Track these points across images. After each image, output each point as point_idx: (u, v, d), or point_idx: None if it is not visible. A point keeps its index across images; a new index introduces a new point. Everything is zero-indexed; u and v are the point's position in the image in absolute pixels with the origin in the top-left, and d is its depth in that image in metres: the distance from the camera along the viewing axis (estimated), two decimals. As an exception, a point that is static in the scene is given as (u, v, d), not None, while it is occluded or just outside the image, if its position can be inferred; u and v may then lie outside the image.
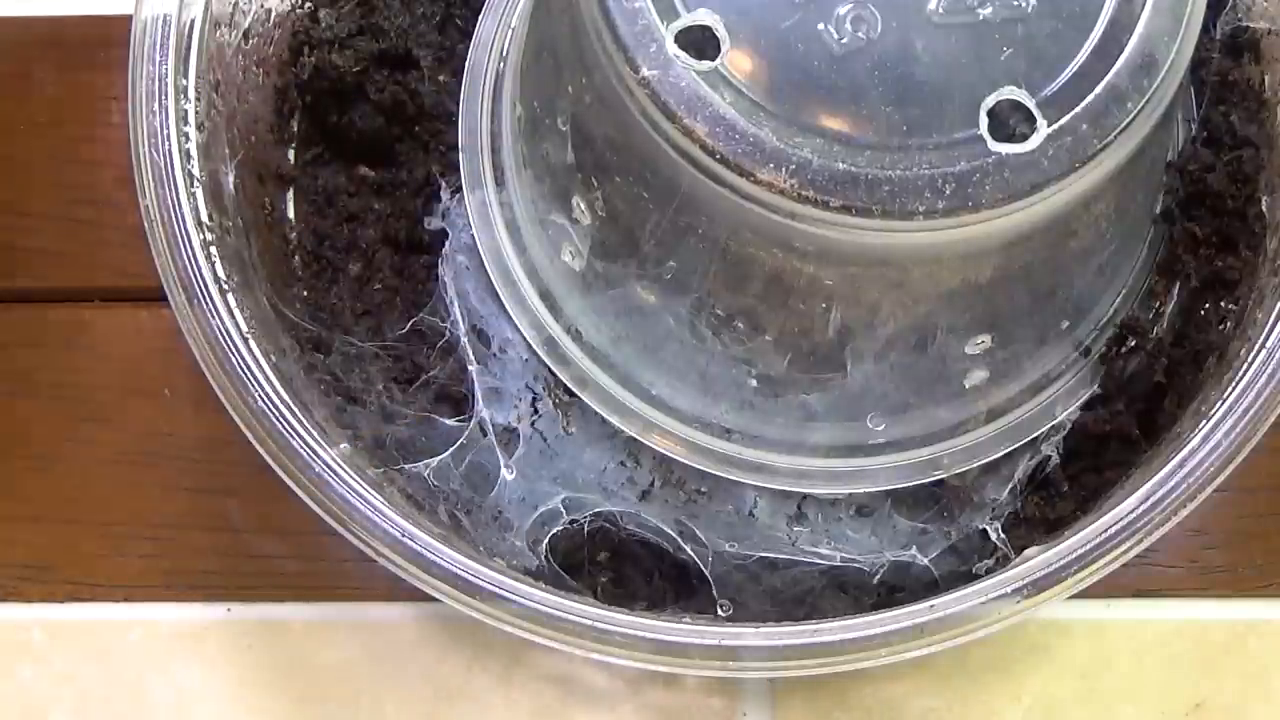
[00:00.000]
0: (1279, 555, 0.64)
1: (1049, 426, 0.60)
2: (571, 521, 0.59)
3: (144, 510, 0.65)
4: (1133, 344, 0.59)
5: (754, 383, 0.57)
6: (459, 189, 0.61)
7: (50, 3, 0.70)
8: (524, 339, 0.60)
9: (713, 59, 0.49)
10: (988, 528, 0.58)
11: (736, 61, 0.49)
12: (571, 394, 0.60)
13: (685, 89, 0.49)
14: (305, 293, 0.61)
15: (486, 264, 0.60)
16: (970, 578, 0.57)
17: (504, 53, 0.61)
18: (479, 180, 0.60)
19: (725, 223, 0.50)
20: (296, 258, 0.62)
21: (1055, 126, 0.49)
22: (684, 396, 0.58)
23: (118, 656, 0.64)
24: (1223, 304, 0.59)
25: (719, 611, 0.57)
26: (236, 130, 0.59)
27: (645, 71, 0.49)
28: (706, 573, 0.58)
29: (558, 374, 0.59)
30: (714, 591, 0.58)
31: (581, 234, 0.56)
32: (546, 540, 0.58)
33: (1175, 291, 0.60)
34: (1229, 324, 0.58)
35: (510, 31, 0.61)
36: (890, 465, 0.59)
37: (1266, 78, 0.59)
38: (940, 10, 0.49)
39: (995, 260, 0.52)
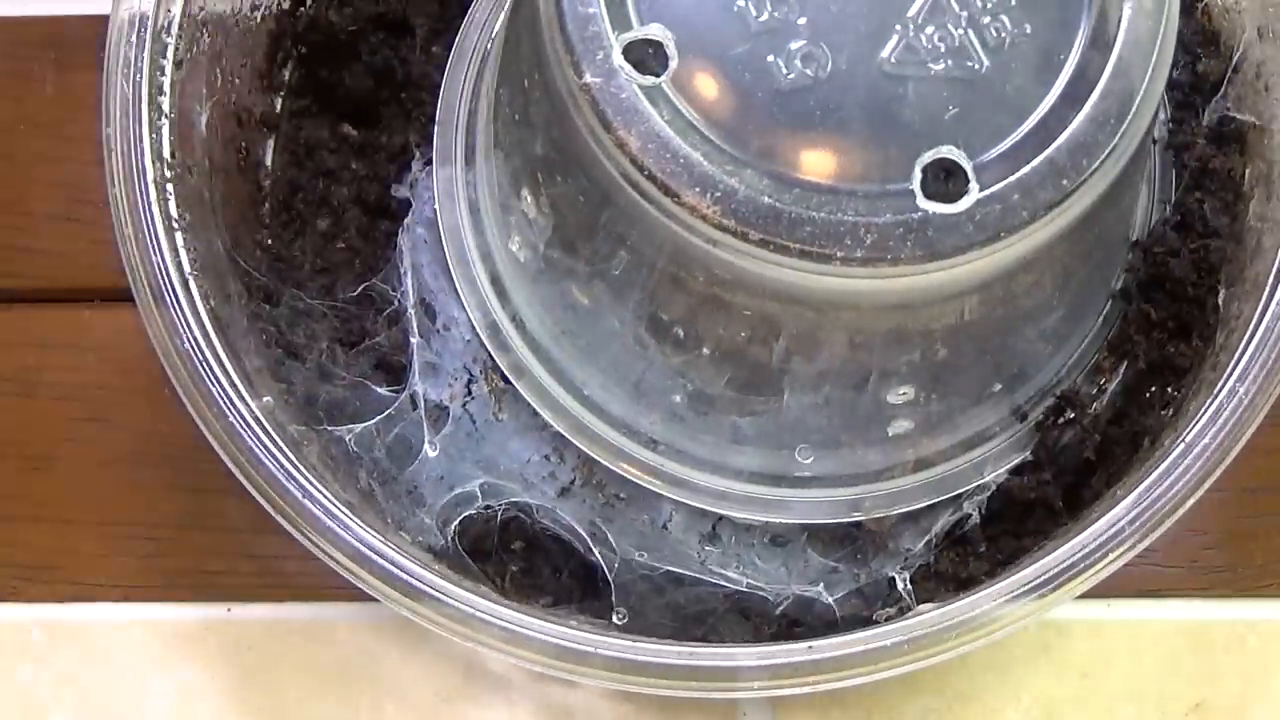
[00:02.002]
0: (1279, 555, 0.64)
1: (975, 485, 0.59)
2: (486, 507, 0.59)
3: (144, 510, 0.66)
4: (1070, 416, 0.58)
5: (687, 397, 0.57)
6: (430, 161, 0.61)
7: (50, 3, 0.70)
8: (469, 320, 0.60)
9: (658, 75, 0.49)
10: (897, 576, 0.58)
11: (682, 81, 0.49)
12: (507, 381, 0.60)
13: (625, 100, 0.49)
14: (270, 241, 0.62)
15: (444, 240, 0.60)
16: (868, 623, 0.56)
17: (494, 32, 0.61)
18: (449, 156, 0.61)
19: (652, 239, 0.50)
20: (266, 205, 0.62)
21: (986, 193, 0.48)
22: (617, 401, 0.58)
23: (118, 656, 0.64)
24: (1169, 389, 0.58)
25: (615, 619, 0.57)
26: (220, 71, 0.59)
27: (588, 78, 0.49)
28: (610, 578, 0.58)
29: (496, 360, 0.60)
30: (614, 598, 0.57)
31: (529, 226, 0.56)
32: (457, 521, 0.58)
33: (1122, 370, 0.59)
34: (1170, 411, 0.57)
35: (504, 12, 0.61)
36: (812, 500, 0.59)
37: (1247, 171, 0.58)
38: (893, 60, 0.49)
39: (920, 315, 0.52)
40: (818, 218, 0.48)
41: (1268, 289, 0.55)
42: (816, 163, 0.49)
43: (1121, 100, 0.49)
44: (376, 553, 0.52)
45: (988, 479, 0.59)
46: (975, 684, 0.61)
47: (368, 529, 0.52)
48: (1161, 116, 0.62)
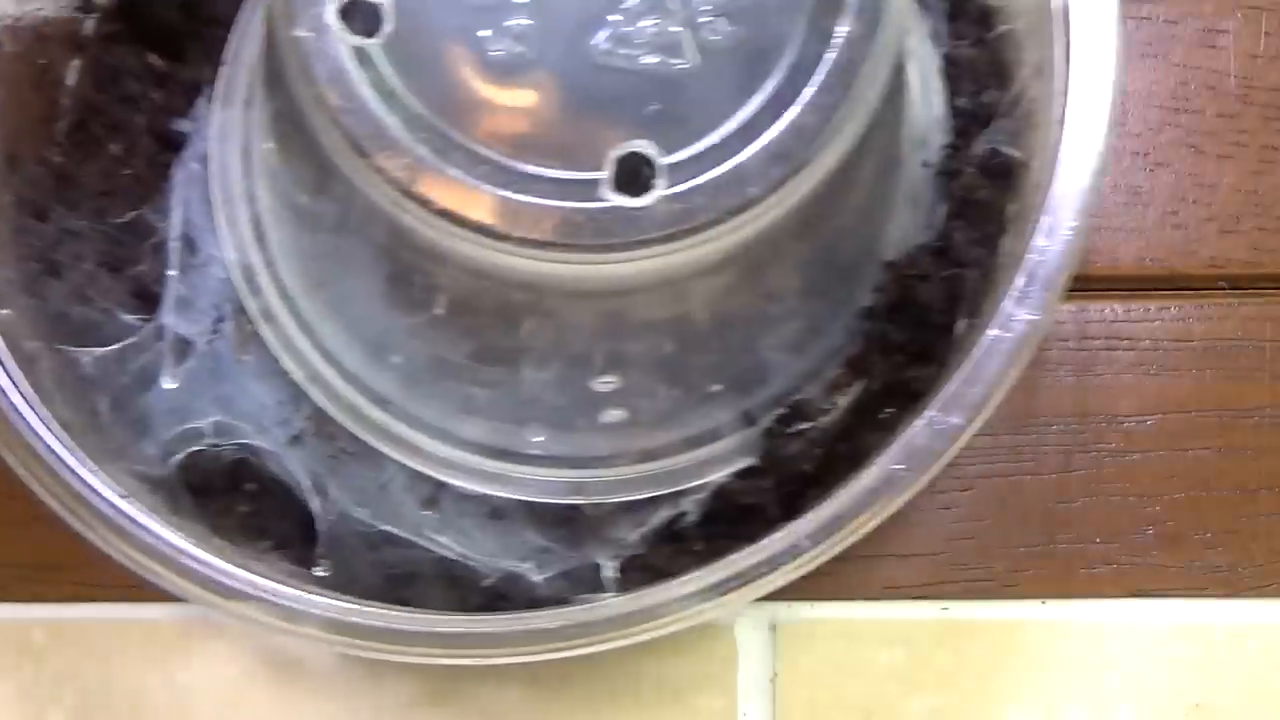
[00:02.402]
0: (1279, 555, 0.64)
1: (697, 483, 0.59)
2: (214, 445, 0.59)
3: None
4: (799, 427, 0.58)
5: (420, 361, 0.57)
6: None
7: None
8: (226, 259, 0.60)
9: (370, 36, 0.49)
10: (605, 564, 0.58)
11: (394, 45, 0.50)
12: (255, 324, 0.60)
13: (331, 58, 0.49)
14: (59, 159, 0.62)
15: (212, 179, 0.61)
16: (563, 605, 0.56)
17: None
18: (232, 97, 0.61)
19: (361, 196, 0.51)
20: (61, 123, 0.63)
21: (671, 191, 0.48)
22: (354, 356, 0.59)
23: (118, 656, 0.64)
24: (902, 412, 0.58)
25: (316, 570, 0.58)
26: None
27: (299, 31, 0.49)
28: (321, 530, 0.58)
29: (246, 302, 0.60)
30: (319, 549, 0.58)
31: (273, 170, 0.56)
32: (183, 455, 0.59)
33: (858, 388, 0.59)
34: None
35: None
36: (536, 478, 0.60)
37: (1009, 207, 0.58)
38: (603, 48, 0.49)
39: (621, 306, 0.52)
40: (501, 195, 0.49)
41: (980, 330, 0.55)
42: (509, 141, 0.49)
43: (823, 116, 0.49)
44: (75, 475, 0.52)
45: (711, 479, 0.59)
46: (976, 684, 0.62)
47: (76, 453, 0.52)
48: (940, 141, 0.62)
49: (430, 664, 0.53)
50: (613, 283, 0.51)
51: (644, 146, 0.49)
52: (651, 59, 0.50)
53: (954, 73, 0.62)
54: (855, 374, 0.60)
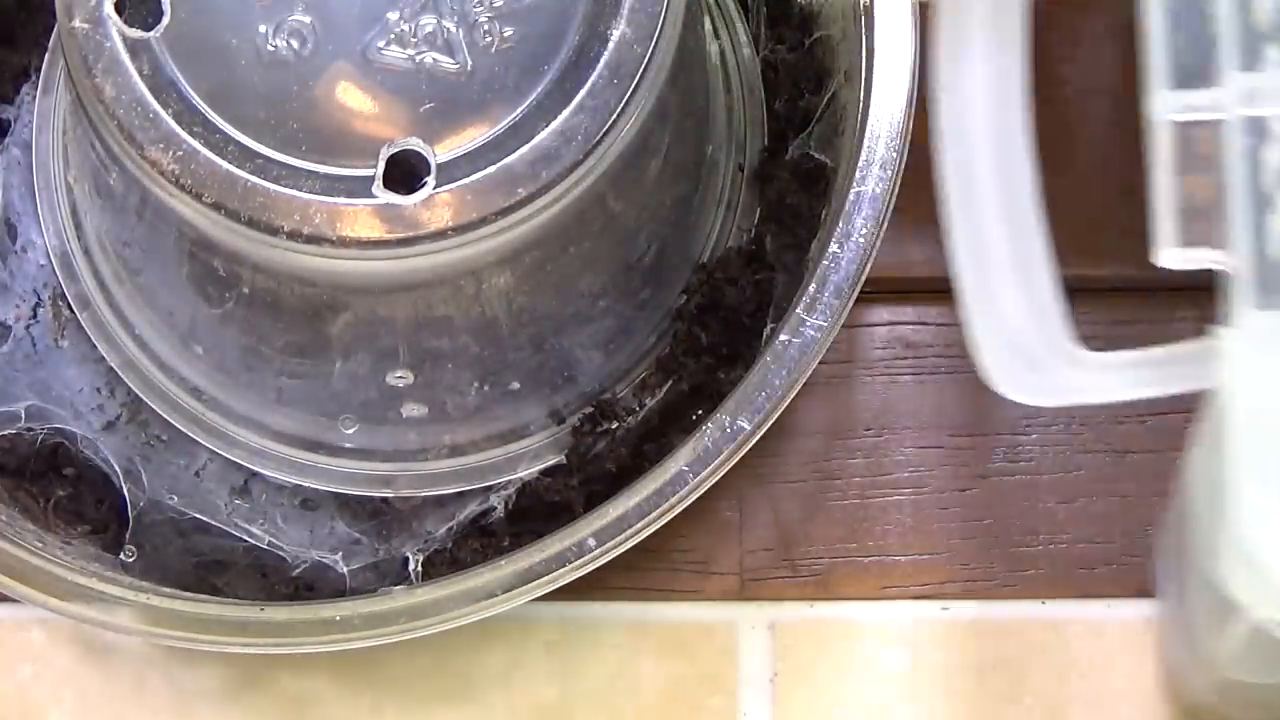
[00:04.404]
0: None
1: (505, 479, 0.60)
2: (28, 429, 0.60)
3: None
4: (607, 426, 0.59)
5: (230, 351, 0.57)
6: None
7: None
8: (45, 245, 0.61)
9: (148, 29, 0.50)
10: (411, 556, 0.59)
11: (170, 38, 0.50)
12: (73, 310, 0.60)
13: (108, 49, 0.50)
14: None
15: (34, 165, 0.61)
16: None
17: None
18: (51, 84, 0.61)
19: (138, 188, 0.51)
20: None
21: (440, 190, 0.49)
22: (167, 345, 0.59)
23: (118, 656, 0.64)
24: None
25: (123, 555, 0.58)
26: None
27: (76, 22, 0.50)
28: (131, 516, 0.59)
29: (64, 287, 0.60)
30: (128, 536, 0.58)
31: (80, 158, 0.57)
32: (-7, 437, 0.59)
33: (666, 389, 0.59)
34: (705, 435, 0.58)
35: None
36: (347, 471, 0.60)
37: (820, 212, 0.58)
38: (379, 46, 0.50)
39: (403, 301, 0.52)
40: (271, 190, 0.49)
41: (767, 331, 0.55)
42: (282, 137, 0.50)
43: (594, 118, 0.49)
44: None
45: (520, 475, 0.60)
46: (976, 684, 0.62)
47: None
48: (759, 145, 0.62)
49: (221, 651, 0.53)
50: (390, 279, 0.51)
51: (417, 145, 0.49)
52: (428, 58, 0.50)
53: (772, 77, 0.62)
54: (665, 375, 0.60)
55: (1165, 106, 0.44)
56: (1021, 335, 0.45)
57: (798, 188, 0.60)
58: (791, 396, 0.54)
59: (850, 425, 0.65)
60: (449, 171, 0.49)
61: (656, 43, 0.51)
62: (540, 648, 0.62)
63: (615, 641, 0.63)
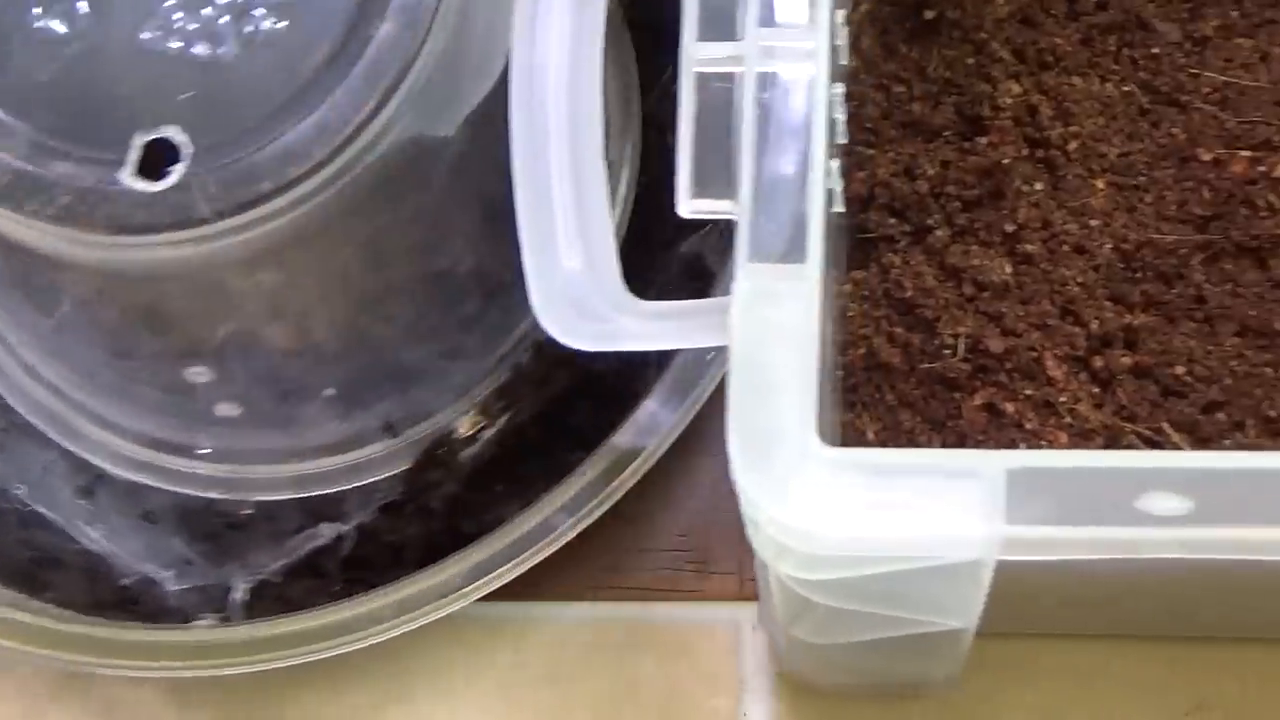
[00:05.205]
0: None
1: (348, 488, 0.60)
2: None
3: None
4: (444, 450, 0.59)
5: (91, 352, 0.58)
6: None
7: None
8: None
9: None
10: (238, 586, 0.59)
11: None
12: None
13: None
14: None
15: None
16: (186, 620, 0.59)
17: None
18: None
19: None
20: None
21: (187, 179, 0.48)
22: (28, 347, 0.60)
23: None
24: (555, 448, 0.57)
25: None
26: None
27: None
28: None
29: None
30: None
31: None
32: None
33: (505, 419, 0.58)
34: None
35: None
36: (184, 472, 0.61)
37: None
38: (148, 33, 0.49)
39: (174, 291, 0.53)
40: (20, 168, 0.49)
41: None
42: (41, 117, 0.49)
43: (346, 118, 0.49)
44: None
45: (365, 482, 0.61)
46: (976, 684, 0.60)
47: None
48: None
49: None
50: (156, 268, 0.51)
51: (173, 133, 0.49)
52: (194, 48, 0.50)
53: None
54: (506, 404, 0.59)
55: (691, 58, 0.44)
56: (576, 283, 0.45)
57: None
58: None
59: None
60: (201, 162, 0.49)
61: (423, 44, 0.49)
62: (540, 648, 0.61)
63: (615, 641, 0.61)
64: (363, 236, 0.52)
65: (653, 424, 0.55)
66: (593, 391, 0.58)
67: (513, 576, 0.55)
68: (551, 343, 0.54)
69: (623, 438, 0.55)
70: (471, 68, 0.52)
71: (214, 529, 0.60)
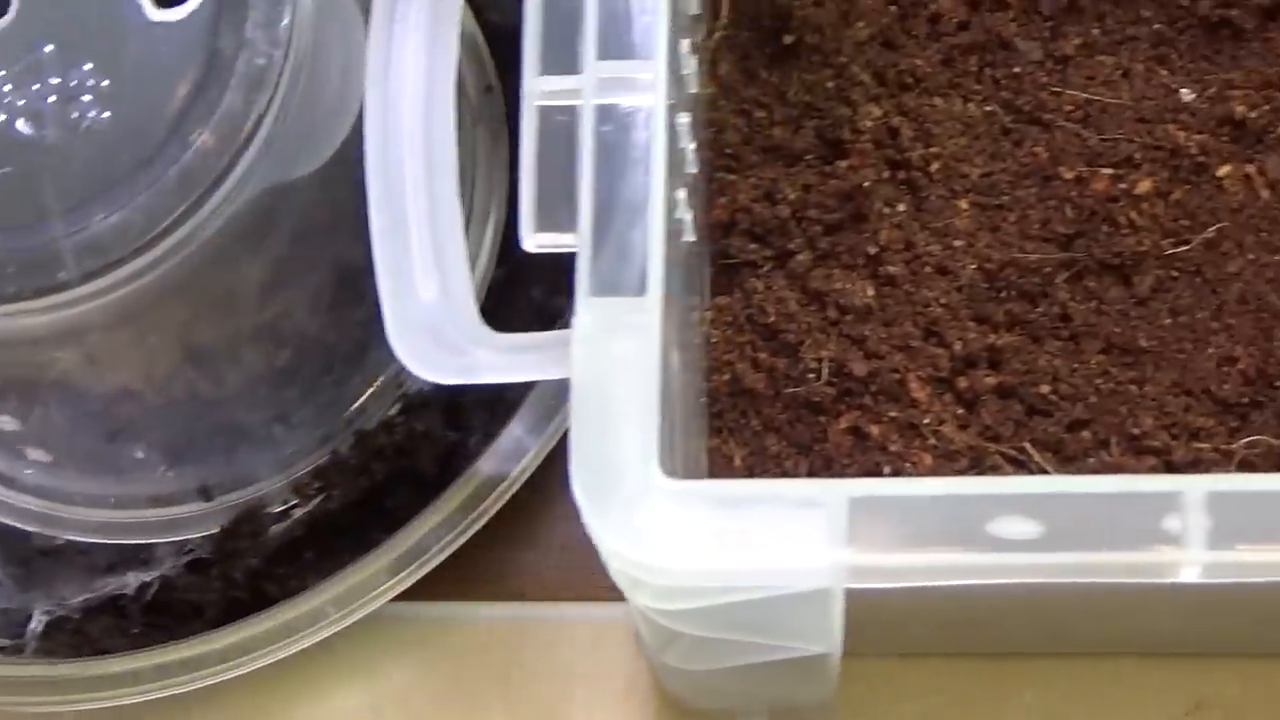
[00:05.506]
0: None
1: (159, 541, 0.59)
2: None
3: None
4: (253, 519, 0.59)
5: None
6: None
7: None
8: None
9: None
10: (37, 615, 0.58)
11: None
12: None
13: None
14: None
15: None
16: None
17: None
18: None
19: None
20: None
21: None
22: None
23: None
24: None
25: None
26: None
27: None
28: None
29: None
30: None
31: None
32: None
33: (318, 499, 0.59)
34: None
35: None
36: (14, 504, 0.60)
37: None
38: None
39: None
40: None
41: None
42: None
43: (149, 221, 0.49)
44: None
45: (174, 539, 0.59)
46: (976, 684, 0.59)
47: None
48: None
49: None
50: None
51: (-10, 209, 0.48)
52: (20, 125, 0.49)
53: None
54: (323, 484, 0.59)
55: (533, 91, 0.44)
56: (432, 313, 0.44)
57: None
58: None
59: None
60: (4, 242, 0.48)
61: (234, 160, 0.49)
62: (540, 648, 0.60)
63: (615, 640, 0.61)
64: (172, 328, 0.53)
65: (518, 449, 0.54)
66: (409, 478, 0.58)
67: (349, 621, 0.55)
68: (372, 434, 0.57)
69: (487, 464, 0.55)
70: (327, 109, 0.52)
71: (27, 554, 0.59)
